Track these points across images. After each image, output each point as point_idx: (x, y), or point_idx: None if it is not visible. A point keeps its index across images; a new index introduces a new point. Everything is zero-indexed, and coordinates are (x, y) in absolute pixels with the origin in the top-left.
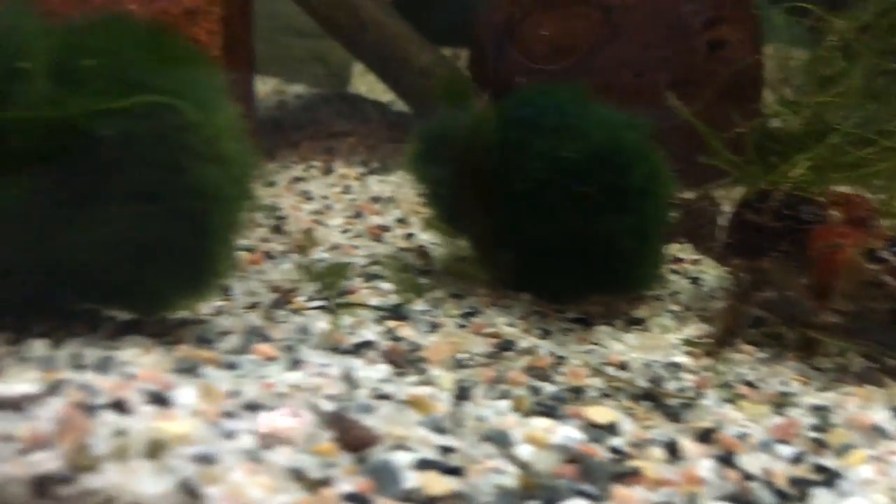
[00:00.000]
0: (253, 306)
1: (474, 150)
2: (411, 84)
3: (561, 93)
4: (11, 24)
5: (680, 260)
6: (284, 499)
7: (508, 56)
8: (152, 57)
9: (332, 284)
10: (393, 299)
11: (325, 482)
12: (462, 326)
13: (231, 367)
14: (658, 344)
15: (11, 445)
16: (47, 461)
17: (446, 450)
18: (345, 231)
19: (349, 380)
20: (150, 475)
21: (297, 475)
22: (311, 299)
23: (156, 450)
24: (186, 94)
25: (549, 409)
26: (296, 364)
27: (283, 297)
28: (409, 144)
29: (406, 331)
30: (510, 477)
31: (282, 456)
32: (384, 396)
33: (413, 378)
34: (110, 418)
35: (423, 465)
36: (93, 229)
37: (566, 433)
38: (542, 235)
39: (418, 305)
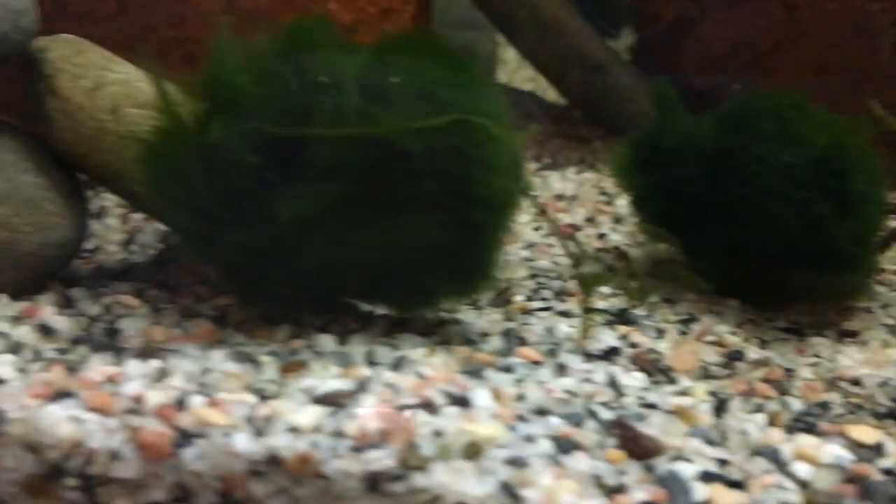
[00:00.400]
0: (473, 304)
1: (689, 156)
2: (585, 81)
3: (780, 98)
4: (315, 41)
5: (882, 270)
6: None
7: (683, 52)
8: (450, 74)
9: (592, 291)
10: (613, 302)
11: (620, 489)
12: (683, 333)
13: (507, 370)
14: (883, 359)
15: (344, 442)
16: (382, 459)
17: (722, 462)
18: (536, 228)
19: (615, 387)
20: (473, 476)
21: (597, 481)
22: (529, 299)
23: (473, 451)
24: (482, 110)
25: (808, 426)
26: (562, 369)
27: (501, 296)
28: (618, 149)
29: (638, 336)
30: (793, 494)
31: (579, 461)
32: (650, 405)
33: (669, 388)
34: (424, 418)
35: (707, 477)
36: (387, 235)
37: (834, 451)
38: (760, 241)
39: (638, 310)
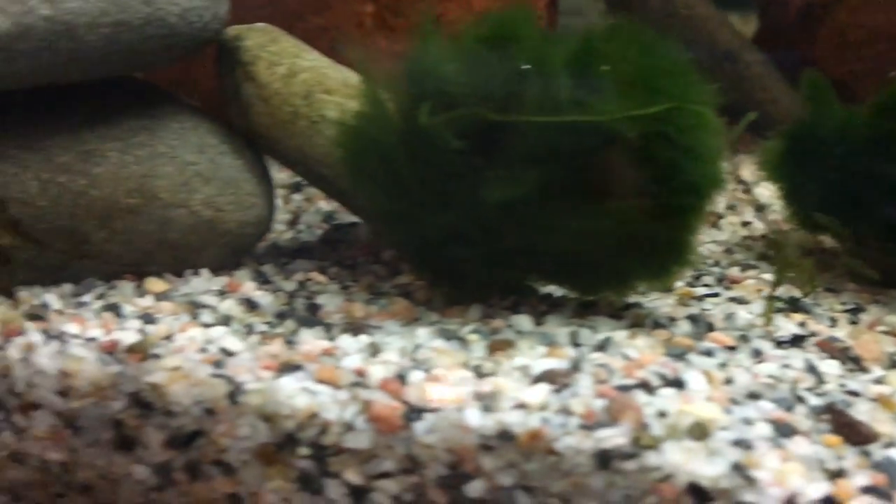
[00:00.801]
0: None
1: (847, 145)
2: (716, 68)
3: None
4: (519, 31)
5: None
6: (817, 487)
7: (815, 39)
8: (657, 61)
9: (783, 279)
10: (779, 291)
11: (841, 474)
12: (853, 323)
13: (708, 354)
14: None
15: (572, 419)
16: (613, 437)
17: None
18: None
19: (815, 373)
20: (704, 456)
21: (819, 465)
22: (691, 285)
23: (700, 432)
24: (691, 97)
25: None
26: (758, 354)
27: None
28: (770, 142)
29: (813, 325)
30: None
31: (800, 445)
32: (852, 393)
33: (864, 376)
34: (643, 399)
35: None
36: (589, 220)
37: None
38: None
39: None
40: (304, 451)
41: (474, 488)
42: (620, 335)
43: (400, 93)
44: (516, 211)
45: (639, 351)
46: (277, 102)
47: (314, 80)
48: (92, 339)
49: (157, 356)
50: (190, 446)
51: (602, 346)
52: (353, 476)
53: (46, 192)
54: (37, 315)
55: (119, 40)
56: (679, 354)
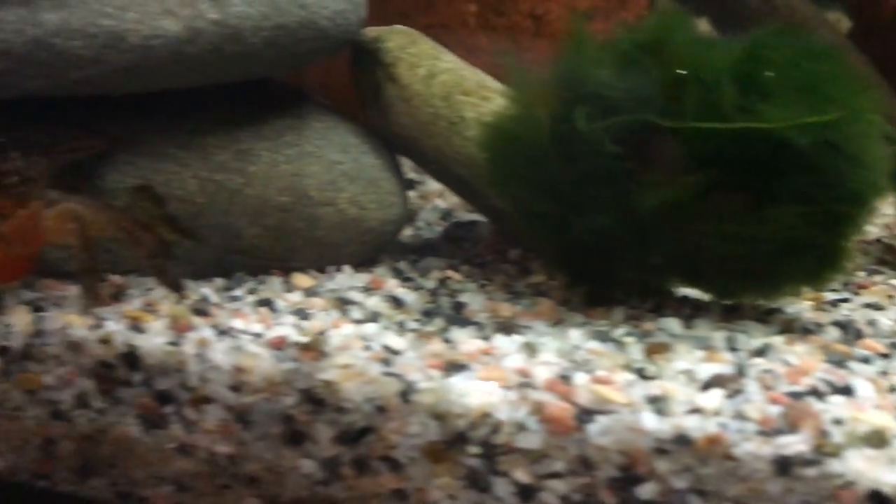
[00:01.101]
0: None
1: None
2: None
3: None
4: (678, 36)
5: None
6: None
7: None
8: (825, 68)
9: None
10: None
11: None
12: None
13: (865, 361)
14: None
15: (748, 425)
16: (795, 444)
17: None
18: None
19: None
20: (885, 464)
21: None
22: (818, 289)
23: (878, 440)
24: (858, 104)
25: None
26: None
27: None
28: None
29: None
30: None
31: None
32: None
33: None
34: (817, 406)
35: None
36: (748, 226)
37: None
38: None
39: None
40: (473, 449)
41: (646, 490)
42: (777, 340)
43: (552, 96)
44: (671, 215)
45: (798, 357)
46: (418, 103)
47: (453, 81)
48: (258, 335)
49: (326, 353)
50: (359, 442)
51: (762, 352)
52: (521, 475)
53: (204, 190)
54: (201, 310)
55: (277, 43)
56: (839, 361)
